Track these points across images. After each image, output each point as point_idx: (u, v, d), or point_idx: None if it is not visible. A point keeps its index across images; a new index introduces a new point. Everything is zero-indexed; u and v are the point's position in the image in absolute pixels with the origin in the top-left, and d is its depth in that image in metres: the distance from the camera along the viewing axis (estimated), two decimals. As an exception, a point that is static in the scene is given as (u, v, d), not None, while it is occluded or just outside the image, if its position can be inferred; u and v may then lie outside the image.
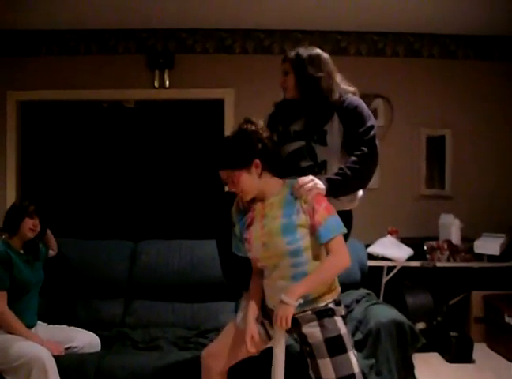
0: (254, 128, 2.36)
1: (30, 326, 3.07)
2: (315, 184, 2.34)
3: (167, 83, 5.30)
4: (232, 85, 5.36)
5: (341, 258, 2.31)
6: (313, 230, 2.29)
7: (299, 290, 2.25)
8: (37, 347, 2.84)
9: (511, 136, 5.50)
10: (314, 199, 2.31)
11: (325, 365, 2.30)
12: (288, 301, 2.23)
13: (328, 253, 2.31)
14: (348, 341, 2.34)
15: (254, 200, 2.43)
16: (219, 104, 5.40)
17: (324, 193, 2.39)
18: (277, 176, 2.42)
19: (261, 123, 2.40)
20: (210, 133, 5.49)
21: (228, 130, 5.30)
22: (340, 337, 2.31)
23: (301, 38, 5.35)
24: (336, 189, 2.49)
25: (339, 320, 2.34)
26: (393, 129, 5.38)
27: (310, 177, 2.38)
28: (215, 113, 5.44)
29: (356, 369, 2.31)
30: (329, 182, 2.45)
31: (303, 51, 2.70)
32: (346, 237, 2.43)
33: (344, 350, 2.31)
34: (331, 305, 2.34)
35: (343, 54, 5.39)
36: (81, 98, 5.37)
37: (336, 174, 2.53)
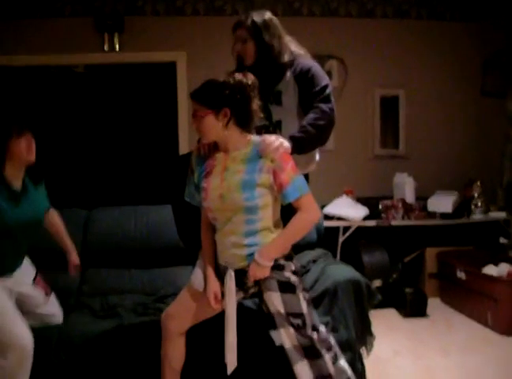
0: (241, 79, 2.32)
1: (10, 270, 2.75)
2: (281, 143, 2.35)
3: (118, 46, 5.16)
4: (184, 47, 5.27)
5: (310, 214, 2.34)
6: (279, 189, 2.30)
7: (273, 252, 2.32)
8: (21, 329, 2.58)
9: (464, 97, 5.59)
10: (281, 158, 2.31)
11: (276, 298, 2.36)
12: (263, 262, 2.30)
13: (296, 209, 2.32)
14: (299, 287, 2.39)
15: (216, 149, 2.41)
16: (171, 67, 5.30)
17: (289, 151, 2.42)
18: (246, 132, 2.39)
19: (253, 79, 2.35)
20: (163, 96, 5.40)
21: (182, 94, 5.23)
22: (289, 282, 2.36)
23: (253, -2, 5.27)
24: (300, 147, 2.55)
25: (289, 274, 2.37)
26: (347, 90, 5.38)
27: (275, 136, 2.39)
28: (167, 76, 5.35)
29: (305, 311, 2.36)
30: (293, 140, 2.50)
31: (257, 17, 2.75)
32: None
33: (294, 291, 2.36)
34: (281, 262, 2.37)
35: (296, 14, 5.34)
36: (28, 63, 5.18)
37: (300, 132, 2.60)
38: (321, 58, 5.12)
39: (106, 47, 5.15)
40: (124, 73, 5.45)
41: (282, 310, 2.35)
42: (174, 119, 5.28)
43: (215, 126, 2.31)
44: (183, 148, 5.26)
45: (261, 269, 2.31)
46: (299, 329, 2.35)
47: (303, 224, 2.35)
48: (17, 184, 2.67)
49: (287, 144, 2.40)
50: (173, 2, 5.26)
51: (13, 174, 2.62)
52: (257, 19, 2.73)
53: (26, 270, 2.89)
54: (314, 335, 2.36)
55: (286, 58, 2.73)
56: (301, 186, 2.33)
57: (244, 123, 2.35)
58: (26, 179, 2.74)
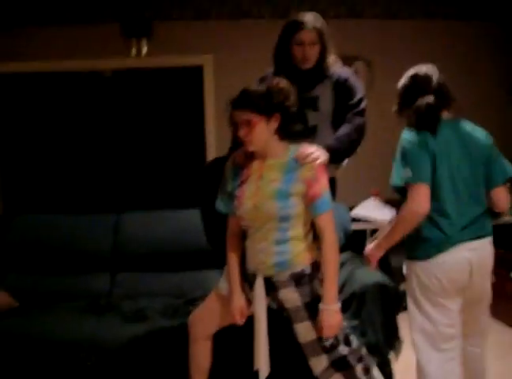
0: (286, 85, 2.33)
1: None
2: (321, 154, 2.35)
3: (145, 51, 5.21)
4: (211, 51, 5.29)
5: (333, 237, 2.33)
6: (310, 200, 2.29)
7: (333, 292, 2.30)
8: None
9: (501, 100, 5.50)
10: (319, 169, 2.30)
11: (305, 327, 2.33)
12: (331, 307, 2.28)
13: (318, 226, 2.32)
14: None
15: (251, 158, 2.40)
16: (198, 71, 5.34)
17: (327, 162, 2.41)
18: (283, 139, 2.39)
19: (290, 84, 2.36)
20: (190, 101, 5.44)
21: (209, 98, 5.26)
22: (318, 300, 2.32)
23: (278, 0, 5.25)
24: (335, 157, 2.60)
25: (317, 284, 2.35)
26: (373, 92, 5.34)
27: (314, 146, 2.38)
28: (194, 81, 5.39)
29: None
30: (330, 151, 2.51)
31: (319, 20, 2.77)
32: None
33: None
34: (308, 271, 2.34)
35: (322, 16, 5.31)
36: (56, 69, 5.28)
37: (336, 143, 2.66)
38: (346, 60, 5.12)
39: (133, 52, 5.20)
40: (151, 77, 5.51)
41: (314, 337, 2.33)
42: (201, 124, 5.31)
43: (265, 133, 2.29)
44: (211, 152, 5.29)
45: (332, 315, 2.27)
46: (332, 350, 2.32)
47: (336, 251, 2.34)
48: None
49: (325, 154, 2.39)
50: (200, 6, 5.27)
51: None
52: (321, 23, 2.76)
53: None
54: (346, 352, 2.34)
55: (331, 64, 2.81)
56: (328, 202, 2.33)
57: (287, 129, 2.34)
58: None
